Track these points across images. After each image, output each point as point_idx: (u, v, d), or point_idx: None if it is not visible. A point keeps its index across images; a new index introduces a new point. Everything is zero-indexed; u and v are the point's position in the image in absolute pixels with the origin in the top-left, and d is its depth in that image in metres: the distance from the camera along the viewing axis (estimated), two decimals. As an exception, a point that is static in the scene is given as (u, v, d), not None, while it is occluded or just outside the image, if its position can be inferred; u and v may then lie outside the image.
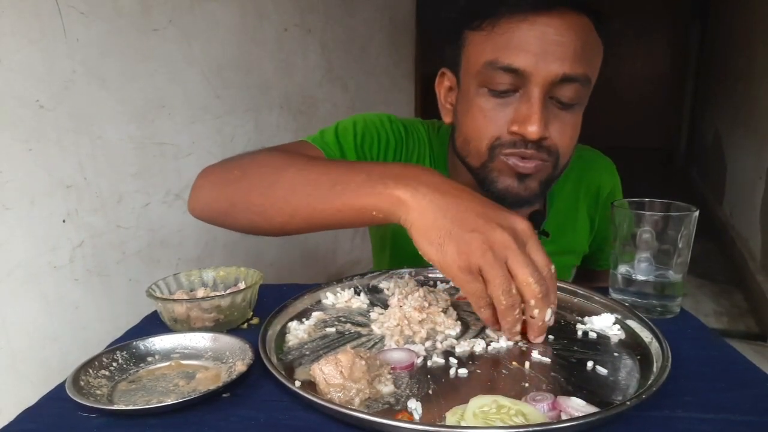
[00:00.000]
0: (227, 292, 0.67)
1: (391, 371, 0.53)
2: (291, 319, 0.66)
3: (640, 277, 0.68)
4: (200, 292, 0.70)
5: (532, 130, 0.68)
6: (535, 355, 0.57)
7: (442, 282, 0.77)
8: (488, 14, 0.70)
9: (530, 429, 0.42)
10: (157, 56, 1.08)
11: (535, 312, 0.54)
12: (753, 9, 3.23)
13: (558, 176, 0.77)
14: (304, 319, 0.66)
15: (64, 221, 0.90)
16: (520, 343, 0.59)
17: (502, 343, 0.59)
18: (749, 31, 3.31)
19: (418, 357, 0.56)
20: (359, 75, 1.95)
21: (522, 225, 0.55)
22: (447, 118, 0.81)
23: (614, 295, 0.71)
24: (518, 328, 0.56)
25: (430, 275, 0.78)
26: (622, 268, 0.69)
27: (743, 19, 3.57)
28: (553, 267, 0.56)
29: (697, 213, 0.66)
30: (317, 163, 0.65)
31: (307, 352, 0.58)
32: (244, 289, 0.66)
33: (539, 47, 0.67)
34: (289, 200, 0.63)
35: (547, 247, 0.87)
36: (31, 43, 0.84)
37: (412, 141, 0.86)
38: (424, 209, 0.54)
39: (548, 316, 0.55)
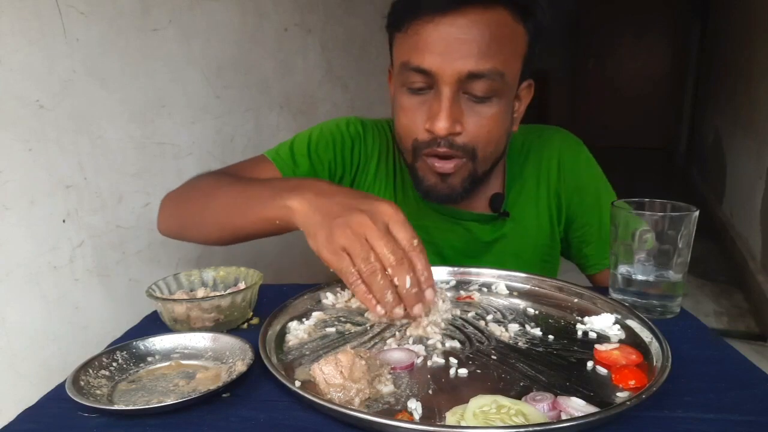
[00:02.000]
0: (227, 292, 0.67)
1: (391, 371, 0.53)
2: (291, 319, 0.66)
3: (640, 277, 0.68)
4: (200, 292, 0.70)
5: (440, 126, 0.72)
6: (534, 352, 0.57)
7: (442, 282, 0.77)
8: (403, 16, 0.73)
9: (530, 429, 0.42)
10: (157, 56, 1.08)
11: (396, 280, 0.57)
12: (753, 9, 3.23)
13: (486, 169, 0.80)
14: (304, 319, 0.66)
15: (64, 221, 0.90)
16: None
17: (504, 339, 0.59)
18: (749, 31, 3.31)
19: (418, 357, 0.57)
20: (359, 75, 1.95)
21: (383, 208, 0.59)
22: (392, 113, 0.85)
23: (614, 295, 0.71)
24: (390, 297, 0.57)
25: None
26: (622, 268, 0.69)
27: (743, 19, 3.56)
28: (416, 240, 0.59)
29: (697, 213, 0.66)
30: (240, 183, 0.74)
31: (307, 352, 0.58)
32: (244, 289, 0.66)
33: (444, 47, 0.70)
34: (218, 217, 0.74)
35: (512, 227, 0.90)
36: (31, 43, 0.84)
37: (371, 138, 0.93)
38: (306, 211, 0.62)
39: (408, 283, 0.57)
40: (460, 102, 0.73)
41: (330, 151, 0.90)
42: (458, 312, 0.67)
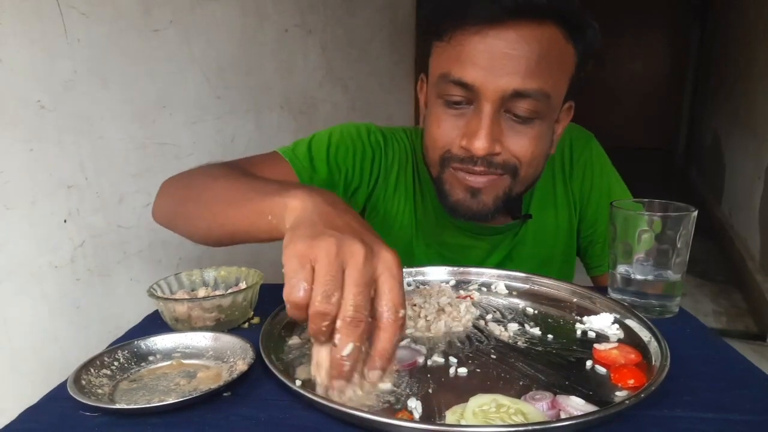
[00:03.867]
0: (228, 291, 0.68)
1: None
2: (291, 319, 0.66)
3: (639, 277, 0.68)
4: (201, 292, 0.70)
5: (478, 145, 0.68)
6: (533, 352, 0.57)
7: (442, 282, 0.77)
8: (446, 25, 0.69)
9: (530, 428, 0.42)
10: (157, 57, 1.08)
11: (337, 338, 0.45)
12: (753, 9, 3.24)
13: (522, 190, 0.76)
14: (304, 319, 0.66)
15: (65, 221, 0.90)
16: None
17: (503, 338, 0.60)
18: (749, 31, 3.31)
19: (421, 356, 0.57)
20: (359, 75, 1.96)
21: (389, 256, 0.47)
22: (421, 123, 0.81)
23: (613, 295, 0.71)
24: (323, 354, 0.46)
25: (428, 277, 0.79)
26: (621, 268, 0.69)
27: (743, 19, 3.57)
28: (402, 312, 0.46)
29: (695, 213, 0.66)
30: (245, 178, 0.66)
31: (308, 351, 0.58)
32: (245, 289, 0.66)
33: (489, 61, 0.66)
34: (211, 207, 0.65)
35: (533, 230, 0.87)
36: (32, 43, 0.84)
37: (391, 149, 0.88)
38: (305, 209, 0.52)
39: (347, 350, 0.44)
40: (500, 121, 0.69)
41: (350, 158, 0.84)
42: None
